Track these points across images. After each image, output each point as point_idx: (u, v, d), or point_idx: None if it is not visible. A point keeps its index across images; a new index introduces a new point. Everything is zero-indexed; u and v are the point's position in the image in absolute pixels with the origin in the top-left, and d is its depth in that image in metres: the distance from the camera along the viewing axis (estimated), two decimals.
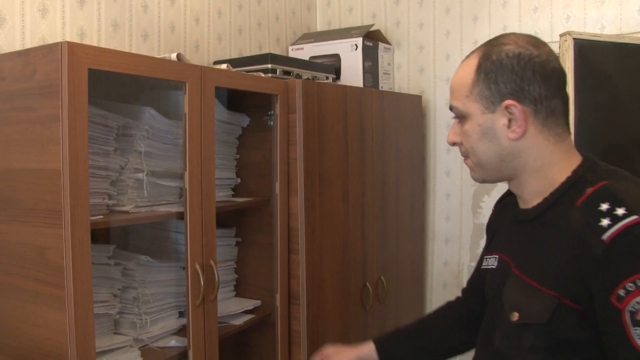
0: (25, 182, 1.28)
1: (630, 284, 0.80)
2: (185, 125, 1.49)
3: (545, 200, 0.97)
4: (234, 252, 1.98)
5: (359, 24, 2.71)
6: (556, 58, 0.98)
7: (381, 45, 2.53)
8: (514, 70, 0.94)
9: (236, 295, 1.99)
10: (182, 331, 1.68)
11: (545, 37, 2.33)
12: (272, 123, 1.90)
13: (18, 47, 1.53)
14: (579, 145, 1.75)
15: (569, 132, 1.00)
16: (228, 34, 2.29)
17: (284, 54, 2.54)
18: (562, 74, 0.97)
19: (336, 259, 2.03)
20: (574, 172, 0.95)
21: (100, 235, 1.55)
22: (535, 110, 0.94)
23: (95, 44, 1.72)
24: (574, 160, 0.98)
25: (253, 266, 1.96)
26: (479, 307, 1.16)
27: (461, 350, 1.28)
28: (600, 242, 0.83)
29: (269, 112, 1.89)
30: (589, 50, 1.83)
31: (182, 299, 1.72)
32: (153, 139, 1.58)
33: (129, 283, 1.58)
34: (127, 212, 1.51)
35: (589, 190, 0.89)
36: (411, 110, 2.50)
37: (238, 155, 1.96)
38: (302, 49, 2.53)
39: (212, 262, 1.56)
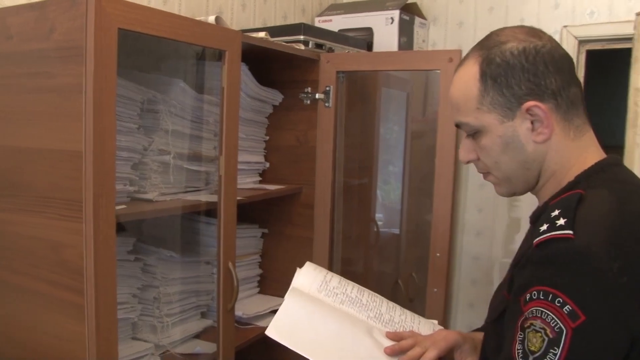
0: (39, 165, 1.05)
1: (535, 292, 0.77)
2: (222, 101, 1.27)
3: (544, 203, 0.91)
4: (259, 245, 1.78)
5: None
6: (558, 44, 0.89)
7: (417, 19, 2.31)
8: (524, 68, 0.86)
9: (259, 292, 1.80)
10: (203, 334, 1.49)
11: (605, 16, 2.16)
12: (308, 102, 1.68)
13: (23, 1, 1.29)
14: None
15: (589, 124, 0.91)
16: (253, 1, 2.05)
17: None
18: (570, 59, 0.90)
19: (369, 254, 1.85)
20: (577, 176, 0.87)
21: (119, 226, 1.34)
22: (556, 105, 0.86)
23: None
24: (589, 160, 0.89)
25: (281, 260, 1.77)
26: None
27: None
28: (531, 245, 0.80)
29: (306, 90, 1.68)
30: None
31: (204, 298, 1.53)
32: (181, 115, 1.36)
33: (150, 281, 1.38)
34: (150, 201, 1.30)
35: (563, 195, 0.84)
36: None
37: (267, 137, 1.75)
38: (331, 20, 2.29)
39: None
